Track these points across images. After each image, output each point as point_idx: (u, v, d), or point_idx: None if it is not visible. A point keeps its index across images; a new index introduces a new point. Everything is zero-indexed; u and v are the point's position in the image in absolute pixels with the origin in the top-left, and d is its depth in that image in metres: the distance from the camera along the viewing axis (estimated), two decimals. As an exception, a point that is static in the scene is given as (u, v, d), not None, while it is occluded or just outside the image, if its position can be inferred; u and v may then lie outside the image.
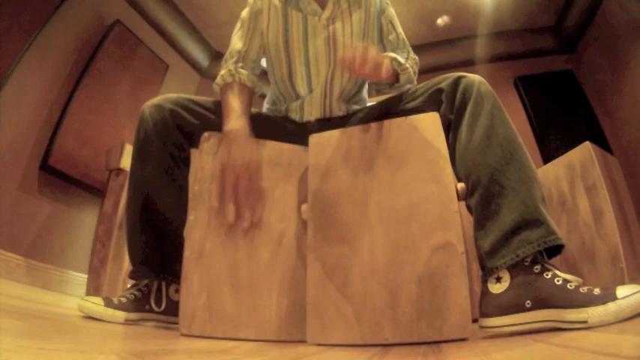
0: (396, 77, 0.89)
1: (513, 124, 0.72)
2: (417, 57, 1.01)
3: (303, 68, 0.96)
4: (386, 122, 0.79)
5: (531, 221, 0.63)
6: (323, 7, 0.95)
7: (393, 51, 1.01)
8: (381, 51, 1.04)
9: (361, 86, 1.02)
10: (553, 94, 2.72)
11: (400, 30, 1.04)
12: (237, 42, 0.97)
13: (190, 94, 0.95)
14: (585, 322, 0.53)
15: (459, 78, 0.78)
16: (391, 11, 1.05)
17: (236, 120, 0.83)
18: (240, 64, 0.94)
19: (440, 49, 2.99)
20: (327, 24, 0.95)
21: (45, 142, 1.98)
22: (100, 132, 2.21)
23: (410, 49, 1.03)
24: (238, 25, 1.00)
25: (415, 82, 0.95)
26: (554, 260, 0.65)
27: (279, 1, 0.96)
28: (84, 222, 2.14)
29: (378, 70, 0.78)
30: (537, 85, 2.77)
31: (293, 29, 0.95)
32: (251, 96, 0.94)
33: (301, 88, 0.97)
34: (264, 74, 1.04)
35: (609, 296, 0.53)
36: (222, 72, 0.93)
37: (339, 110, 0.99)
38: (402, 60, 0.89)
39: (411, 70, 0.91)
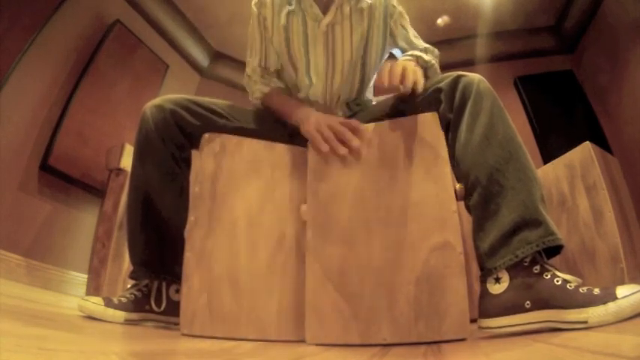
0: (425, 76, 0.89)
1: (513, 124, 0.72)
2: (435, 49, 1.00)
3: (304, 73, 0.97)
4: (385, 122, 0.79)
5: (530, 221, 0.62)
6: (325, 12, 0.94)
7: (410, 46, 1.00)
8: (385, 55, 1.03)
9: (360, 90, 1.02)
10: (553, 94, 2.72)
11: (411, 29, 1.03)
12: (253, 60, 1.01)
13: (190, 95, 0.95)
14: (585, 322, 0.53)
15: (458, 77, 0.77)
16: (399, 11, 1.02)
17: (303, 107, 0.92)
18: (264, 79, 1.01)
19: (440, 49, 2.96)
20: (327, 30, 0.94)
21: (45, 142, 1.98)
22: (100, 132, 2.21)
23: (425, 44, 1.01)
24: (249, 41, 1.02)
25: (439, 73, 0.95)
26: (554, 260, 0.65)
27: (281, 7, 0.96)
28: (84, 222, 2.14)
29: (417, 85, 0.78)
30: (537, 85, 2.77)
31: (294, 36, 0.95)
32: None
33: (304, 91, 0.99)
34: None
35: (609, 296, 0.53)
36: (255, 87, 1.00)
37: (339, 112, 0.99)
38: (425, 57, 0.90)
39: (435, 64, 0.93)
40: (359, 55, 0.96)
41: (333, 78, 0.96)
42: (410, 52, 0.92)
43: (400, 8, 1.03)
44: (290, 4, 0.95)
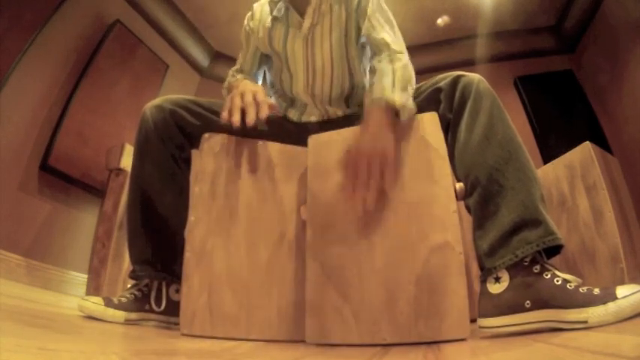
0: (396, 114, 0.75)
1: (512, 124, 0.72)
2: (404, 57, 0.84)
3: (287, 76, 1.00)
4: (385, 122, 0.79)
5: (530, 221, 0.62)
6: (303, 17, 0.96)
7: (375, 54, 0.89)
8: (361, 51, 0.99)
9: (353, 85, 1.00)
10: (553, 94, 2.72)
11: (373, 17, 0.90)
12: (238, 61, 1.10)
13: (190, 95, 0.96)
14: (585, 322, 0.53)
15: (458, 77, 0.77)
16: (370, 6, 0.92)
17: (245, 82, 0.91)
18: (236, 74, 1.06)
19: (440, 49, 2.99)
20: (308, 33, 0.96)
21: (45, 142, 1.99)
22: (100, 132, 2.21)
23: (396, 48, 0.85)
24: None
25: (412, 89, 0.82)
26: (554, 260, 0.65)
27: (269, 15, 1.00)
28: (84, 222, 2.14)
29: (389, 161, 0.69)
30: (537, 85, 2.77)
31: (274, 41, 0.99)
32: None
33: (289, 93, 1.02)
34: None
35: (609, 296, 0.53)
36: (226, 80, 1.06)
37: (337, 111, 1.00)
38: (396, 96, 0.74)
39: (405, 99, 0.75)
40: (341, 51, 0.97)
41: (314, 77, 0.98)
42: (376, 96, 0.74)
43: (372, 2, 0.93)
44: (278, 12, 0.98)
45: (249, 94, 0.80)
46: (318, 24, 0.96)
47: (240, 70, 1.07)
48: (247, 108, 0.78)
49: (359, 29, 0.96)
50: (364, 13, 0.93)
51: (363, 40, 0.97)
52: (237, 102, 0.79)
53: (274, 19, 0.99)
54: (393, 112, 0.74)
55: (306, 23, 0.95)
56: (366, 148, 0.69)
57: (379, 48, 0.88)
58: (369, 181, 0.67)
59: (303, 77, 0.98)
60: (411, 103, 0.76)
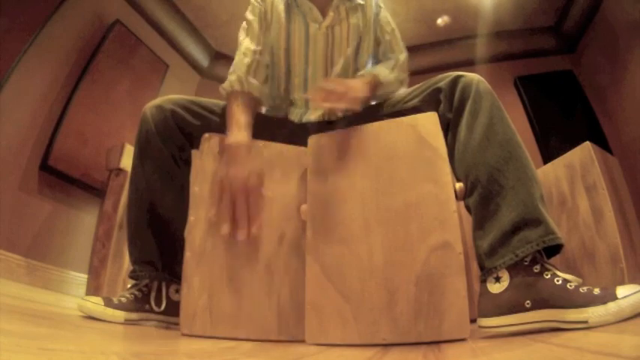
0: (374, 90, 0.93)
1: (512, 124, 0.72)
2: (404, 62, 1.03)
3: (302, 74, 0.99)
4: (384, 122, 0.79)
5: (530, 221, 0.63)
6: (324, 15, 0.97)
7: (384, 55, 1.04)
8: (373, 56, 1.06)
9: None
10: (553, 94, 2.72)
11: (391, 34, 1.04)
12: (249, 42, 0.93)
13: (190, 95, 0.96)
14: (586, 322, 0.53)
15: (458, 77, 0.78)
16: (383, 14, 1.04)
17: (238, 132, 0.80)
18: (252, 72, 0.90)
19: (440, 49, 2.99)
20: (327, 32, 0.97)
21: (45, 142, 1.98)
22: (100, 132, 2.21)
23: (400, 52, 1.03)
24: (245, 26, 0.96)
25: (403, 88, 0.99)
26: (554, 260, 0.65)
27: (282, 4, 0.98)
28: (84, 222, 2.14)
29: (355, 103, 0.83)
30: (537, 85, 2.77)
31: (295, 35, 0.97)
32: (257, 107, 0.94)
33: (297, 91, 1.00)
34: None
35: (609, 296, 0.53)
36: (233, 77, 0.89)
37: (337, 112, 1.00)
38: (383, 74, 0.93)
39: (393, 82, 0.97)
40: (353, 54, 0.99)
41: (331, 76, 0.98)
42: (369, 71, 0.96)
43: (385, 12, 1.05)
44: (290, 5, 0.97)
45: (239, 202, 0.73)
46: (337, 25, 0.97)
47: (257, 64, 0.91)
48: (238, 222, 0.72)
49: (375, 37, 1.02)
50: (378, 21, 1.03)
51: (379, 49, 1.04)
52: (226, 208, 0.72)
53: (290, 12, 0.96)
54: (374, 86, 0.91)
55: (326, 22, 0.97)
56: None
57: (391, 49, 1.03)
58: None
59: (322, 74, 0.98)
60: (392, 86, 0.97)
